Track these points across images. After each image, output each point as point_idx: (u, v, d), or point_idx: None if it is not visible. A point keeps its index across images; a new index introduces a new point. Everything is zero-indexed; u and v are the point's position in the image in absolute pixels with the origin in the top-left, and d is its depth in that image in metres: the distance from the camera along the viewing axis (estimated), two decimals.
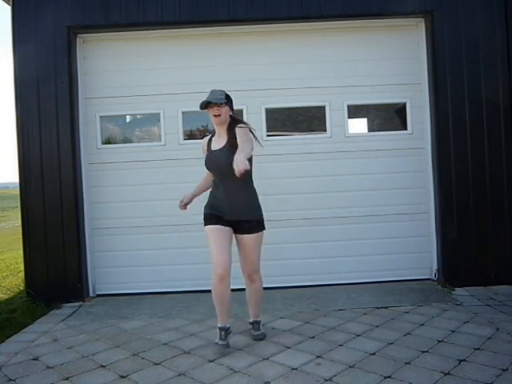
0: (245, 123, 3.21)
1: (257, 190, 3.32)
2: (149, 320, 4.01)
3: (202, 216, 3.27)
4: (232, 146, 3.07)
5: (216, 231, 3.16)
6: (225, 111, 3.16)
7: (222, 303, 3.18)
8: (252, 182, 3.31)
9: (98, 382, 2.87)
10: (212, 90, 3.22)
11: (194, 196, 3.48)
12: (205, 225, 3.24)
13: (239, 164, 2.73)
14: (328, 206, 4.84)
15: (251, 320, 3.47)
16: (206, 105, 3.15)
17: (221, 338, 3.17)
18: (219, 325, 3.21)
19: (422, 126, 4.86)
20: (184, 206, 3.43)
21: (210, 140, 3.34)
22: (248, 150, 2.99)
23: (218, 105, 3.11)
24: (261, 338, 3.40)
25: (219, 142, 3.21)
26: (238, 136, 3.07)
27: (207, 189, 3.44)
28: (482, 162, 4.60)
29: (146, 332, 3.71)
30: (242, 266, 3.33)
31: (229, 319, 3.26)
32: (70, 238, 4.62)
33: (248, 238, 3.23)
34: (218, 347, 3.16)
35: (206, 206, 3.32)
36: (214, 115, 3.15)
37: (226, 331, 3.20)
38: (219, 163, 3.15)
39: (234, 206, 3.17)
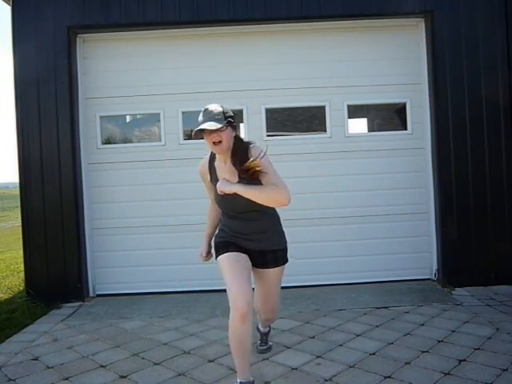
0: (252, 145, 2.55)
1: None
2: (149, 320, 4.01)
3: (214, 246, 2.78)
4: (249, 177, 2.45)
5: (233, 259, 2.55)
6: (226, 136, 2.44)
7: (243, 350, 2.45)
8: None
9: (98, 381, 2.87)
10: (205, 109, 2.48)
11: (210, 238, 2.87)
12: (218, 255, 2.63)
13: (223, 187, 2.38)
14: (328, 205, 4.84)
15: (261, 328, 3.19)
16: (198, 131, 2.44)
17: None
18: (240, 379, 2.45)
19: (422, 126, 4.86)
20: (207, 256, 2.86)
21: (211, 166, 2.66)
22: (280, 181, 2.45)
23: (219, 130, 2.40)
24: (263, 351, 3.16)
25: (227, 172, 2.55)
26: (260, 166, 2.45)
27: (218, 219, 2.82)
28: (482, 162, 4.60)
29: (146, 332, 3.71)
30: (260, 306, 2.86)
31: (250, 370, 2.55)
32: (70, 237, 4.62)
33: (272, 273, 2.70)
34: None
35: (217, 236, 2.75)
36: (214, 142, 2.43)
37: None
38: (236, 203, 2.50)
39: (255, 238, 2.63)
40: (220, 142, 2.44)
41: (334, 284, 4.75)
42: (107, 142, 5.01)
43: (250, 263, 2.63)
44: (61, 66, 4.61)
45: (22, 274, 5.11)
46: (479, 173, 4.59)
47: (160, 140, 4.92)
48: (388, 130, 5.10)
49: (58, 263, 4.61)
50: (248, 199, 2.43)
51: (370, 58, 4.85)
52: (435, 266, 4.80)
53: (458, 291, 4.43)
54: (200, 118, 2.47)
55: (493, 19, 4.60)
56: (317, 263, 4.84)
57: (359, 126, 5.49)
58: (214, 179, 2.60)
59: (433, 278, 4.82)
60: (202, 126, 2.38)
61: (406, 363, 2.92)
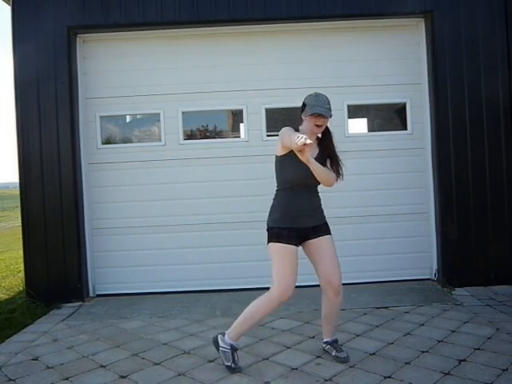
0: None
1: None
2: (149, 320, 4.01)
3: (269, 229, 2.94)
4: (323, 157, 2.94)
5: (294, 253, 2.89)
6: (327, 122, 2.93)
7: (255, 320, 2.94)
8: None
9: (98, 381, 2.87)
10: (317, 95, 2.90)
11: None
12: (279, 242, 2.88)
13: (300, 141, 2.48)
14: (328, 205, 4.76)
15: (328, 339, 3.10)
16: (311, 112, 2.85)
17: (234, 361, 2.92)
18: (233, 343, 2.94)
19: (422, 126, 4.86)
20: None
21: None
22: (332, 175, 2.98)
23: (325, 117, 2.85)
24: (347, 360, 2.98)
25: (310, 150, 2.80)
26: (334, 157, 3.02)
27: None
28: (482, 162, 4.60)
29: (145, 332, 3.71)
30: (328, 277, 3.03)
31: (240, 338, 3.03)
32: (69, 237, 4.62)
33: (328, 239, 3.00)
34: (231, 371, 2.90)
35: (277, 220, 2.92)
36: (318, 125, 2.88)
37: (236, 351, 2.96)
38: (309, 176, 2.82)
39: (313, 212, 3.00)
40: (322, 126, 2.90)
41: None
42: (107, 142, 5.01)
43: (298, 254, 2.96)
44: (61, 66, 4.61)
45: (22, 274, 5.11)
46: (479, 173, 4.59)
47: (160, 140, 4.92)
48: (388, 129, 5.09)
49: (58, 263, 4.61)
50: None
51: (370, 58, 4.86)
52: (435, 266, 4.80)
53: (458, 291, 4.43)
54: (312, 101, 2.88)
55: (493, 19, 4.60)
56: None
57: (359, 125, 5.47)
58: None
59: (433, 278, 4.82)
60: (323, 112, 2.83)
61: (406, 363, 2.92)
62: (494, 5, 4.60)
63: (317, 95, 2.91)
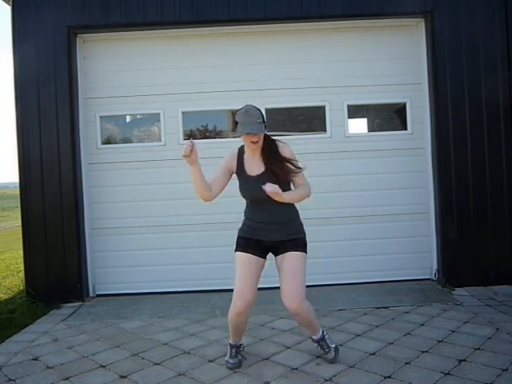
0: (282, 142, 2.91)
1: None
2: (149, 320, 4.01)
3: (237, 238, 2.94)
4: (273, 171, 2.79)
5: (247, 262, 2.83)
6: (262, 137, 2.83)
7: (237, 331, 2.98)
8: None
9: (98, 381, 2.87)
10: (246, 111, 2.76)
11: (198, 172, 2.79)
12: (236, 250, 2.90)
13: (271, 189, 2.59)
14: (328, 206, 4.84)
15: (313, 337, 3.04)
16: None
17: (231, 356, 2.99)
18: (230, 342, 3.03)
19: (422, 126, 4.86)
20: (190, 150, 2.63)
21: (240, 159, 2.93)
22: (305, 178, 2.89)
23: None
24: (334, 361, 2.97)
25: (256, 164, 2.86)
26: (286, 164, 2.81)
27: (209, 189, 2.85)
28: (482, 162, 4.60)
29: (146, 332, 3.71)
30: (284, 300, 2.84)
31: (242, 338, 3.05)
32: (70, 237, 4.62)
33: (291, 257, 2.82)
34: (227, 365, 2.98)
35: (241, 229, 2.96)
36: (252, 142, 2.79)
37: (237, 348, 3.02)
38: (260, 192, 2.69)
39: (280, 226, 2.85)
40: (257, 141, 2.80)
41: (334, 284, 4.75)
42: (107, 142, 5.01)
43: (263, 264, 2.90)
44: (61, 65, 4.61)
45: (22, 274, 5.11)
46: (479, 173, 4.60)
47: (160, 140, 4.92)
48: (388, 129, 5.09)
49: (58, 263, 4.61)
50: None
51: (369, 57, 4.86)
52: (435, 266, 4.80)
53: (458, 291, 4.43)
54: (242, 119, 2.76)
55: (493, 19, 4.60)
56: (317, 263, 4.82)
57: (359, 126, 5.47)
58: (240, 169, 2.91)
59: (433, 277, 4.82)
60: (250, 131, 2.72)
61: (406, 363, 2.92)
62: (493, 5, 4.60)
63: (246, 111, 2.76)
